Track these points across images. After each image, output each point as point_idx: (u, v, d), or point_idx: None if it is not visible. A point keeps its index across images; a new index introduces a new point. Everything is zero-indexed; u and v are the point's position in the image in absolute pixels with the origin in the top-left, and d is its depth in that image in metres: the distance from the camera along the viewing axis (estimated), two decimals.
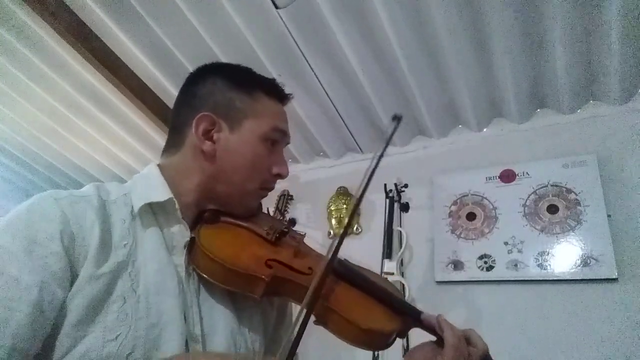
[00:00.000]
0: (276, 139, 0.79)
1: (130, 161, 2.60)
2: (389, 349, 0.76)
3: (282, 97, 0.82)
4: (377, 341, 0.71)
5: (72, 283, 0.58)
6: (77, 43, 1.76)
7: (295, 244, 0.82)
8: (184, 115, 0.78)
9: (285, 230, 0.82)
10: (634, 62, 1.49)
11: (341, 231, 0.75)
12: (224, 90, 0.77)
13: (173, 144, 0.79)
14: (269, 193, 0.83)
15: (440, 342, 0.72)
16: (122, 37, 1.77)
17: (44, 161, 2.68)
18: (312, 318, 0.69)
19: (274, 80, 0.82)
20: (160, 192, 0.71)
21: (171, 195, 0.71)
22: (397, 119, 0.82)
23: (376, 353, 1.67)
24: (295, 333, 0.57)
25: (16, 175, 2.84)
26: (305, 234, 0.88)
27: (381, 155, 0.79)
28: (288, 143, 0.84)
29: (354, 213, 0.81)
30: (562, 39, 1.45)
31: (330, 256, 0.68)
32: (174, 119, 0.81)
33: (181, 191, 0.74)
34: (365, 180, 0.77)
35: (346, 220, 2.09)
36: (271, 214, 2.17)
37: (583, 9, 1.38)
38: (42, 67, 1.98)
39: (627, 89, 1.60)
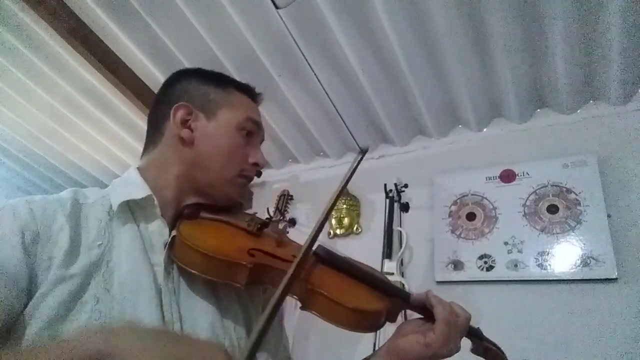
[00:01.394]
0: (251, 130, 0.82)
1: (130, 161, 2.60)
2: None
3: (253, 94, 0.87)
4: (366, 321, 0.71)
5: (31, 281, 0.58)
6: (77, 43, 1.76)
7: (277, 235, 0.83)
8: (161, 111, 0.81)
9: (267, 221, 0.83)
10: (634, 62, 1.49)
11: (321, 217, 0.74)
12: (199, 85, 0.82)
13: (151, 142, 0.82)
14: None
15: (429, 318, 0.72)
16: (122, 37, 1.77)
17: (44, 161, 2.68)
18: (299, 304, 0.69)
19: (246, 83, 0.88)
20: (139, 190, 0.72)
21: (150, 193, 0.72)
22: (362, 152, 0.87)
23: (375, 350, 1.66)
24: (268, 313, 0.56)
25: (16, 175, 2.84)
26: (286, 224, 0.89)
27: (347, 181, 0.84)
28: (263, 139, 0.88)
29: (332, 208, 0.81)
30: (562, 39, 1.45)
31: (311, 237, 0.68)
32: (151, 119, 0.85)
33: (161, 186, 0.75)
34: (336, 194, 0.80)
35: (345, 220, 2.09)
36: (271, 214, 2.17)
37: (583, 9, 1.38)
38: (42, 67, 1.98)
39: (627, 89, 1.60)
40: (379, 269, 1.81)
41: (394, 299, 0.75)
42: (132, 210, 0.72)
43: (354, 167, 0.87)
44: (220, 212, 0.80)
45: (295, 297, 0.69)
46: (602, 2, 1.35)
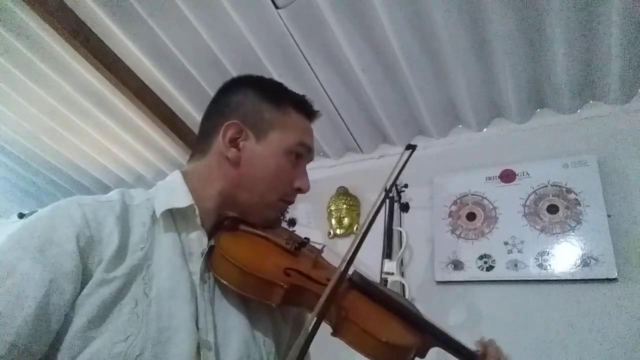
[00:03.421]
0: (300, 153, 0.81)
1: (131, 161, 2.60)
2: None
3: (310, 113, 0.84)
4: (395, 356, 0.69)
5: (84, 284, 0.59)
6: (77, 43, 1.76)
7: (313, 255, 0.82)
8: (214, 122, 0.80)
9: (305, 241, 0.83)
10: (634, 63, 1.49)
11: (356, 240, 0.74)
12: (255, 101, 0.79)
13: (200, 150, 0.81)
14: None
15: None
16: (122, 37, 1.77)
17: (44, 161, 2.68)
18: (330, 330, 0.68)
19: (303, 96, 0.84)
20: (182, 198, 0.72)
21: (192, 202, 0.72)
22: (412, 147, 0.85)
23: None
24: (304, 339, 0.56)
25: (16, 175, 2.84)
26: (324, 245, 0.88)
27: (393, 183, 0.82)
28: (312, 159, 0.86)
29: (368, 230, 0.81)
30: (562, 39, 1.45)
31: (346, 261, 0.68)
32: (203, 126, 0.84)
33: (203, 197, 0.75)
34: (377, 204, 0.79)
35: (345, 220, 2.09)
36: None
37: (583, 9, 1.38)
38: (42, 67, 1.98)
39: (627, 89, 1.60)
40: (379, 269, 1.81)
41: (427, 335, 0.74)
42: (174, 217, 0.72)
43: (401, 164, 0.85)
44: (259, 226, 0.80)
45: (328, 322, 0.68)
46: (602, 2, 1.35)
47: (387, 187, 0.82)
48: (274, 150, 0.77)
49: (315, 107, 0.86)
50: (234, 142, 0.77)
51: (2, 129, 2.44)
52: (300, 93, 0.85)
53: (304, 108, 0.83)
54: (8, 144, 2.57)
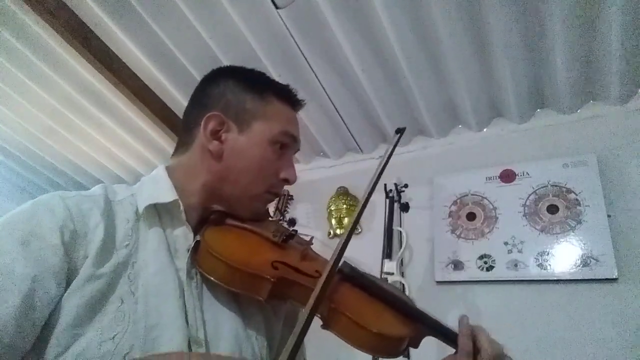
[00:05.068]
0: (285, 143, 0.78)
1: (131, 161, 2.60)
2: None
3: (294, 102, 0.82)
4: (387, 347, 0.68)
5: (69, 279, 0.58)
6: (77, 43, 1.76)
7: (302, 247, 0.81)
8: (195, 114, 0.78)
9: (293, 233, 0.81)
10: (634, 62, 1.49)
11: (346, 231, 0.72)
12: (236, 91, 0.77)
13: (183, 144, 0.80)
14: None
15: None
16: (122, 37, 1.77)
17: (44, 161, 2.68)
18: (319, 322, 0.67)
19: (287, 85, 0.82)
20: (166, 193, 0.71)
21: (176, 197, 0.71)
22: (400, 131, 0.83)
23: None
24: (297, 334, 0.56)
25: (16, 175, 2.84)
26: (312, 237, 0.86)
27: (384, 166, 0.80)
28: (298, 149, 0.84)
29: (359, 217, 0.79)
30: (562, 39, 1.45)
31: (336, 254, 0.67)
32: (185, 119, 0.82)
33: (187, 191, 0.74)
34: (371, 185, 0.78)
35: (345, 220, 2.09)
36: (271, 214, 2.17)
37: (583, 9, 1.38)
38: (42, 66, 1.98)
39: (627, 89, 1.60)
40: (379, 269, 1.81)
41: (419, 324, 0.73)
42: (159, 212, 0.71)
43: (391, 149, 0.83)
44: (246, 219, 0.79)
45: (318, 315, 0.67)
46: (602, 2, 1.36)
47: (381, 168, 0.80)
48: (258, 140, 0.75)
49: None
50: (215, 134, 0.75)
51: (2, 129, 2.44)
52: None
53: (288, 97, 0.81)
54: (8, 144, 2.57)
